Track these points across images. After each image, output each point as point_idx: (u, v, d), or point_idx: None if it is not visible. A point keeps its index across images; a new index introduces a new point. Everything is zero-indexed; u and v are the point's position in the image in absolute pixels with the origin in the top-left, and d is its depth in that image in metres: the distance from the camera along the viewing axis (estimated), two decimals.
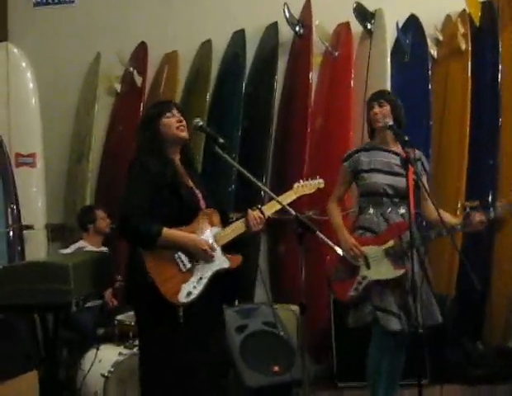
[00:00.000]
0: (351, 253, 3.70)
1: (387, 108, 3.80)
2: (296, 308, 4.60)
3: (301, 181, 3.51)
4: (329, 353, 4.79)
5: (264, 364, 4.36)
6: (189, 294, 3.05)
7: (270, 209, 3.29)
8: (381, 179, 3.76)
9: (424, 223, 4.17)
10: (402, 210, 3.75)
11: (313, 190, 3.54)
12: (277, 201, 3.17)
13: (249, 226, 3.21)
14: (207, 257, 3.13)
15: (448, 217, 3.73)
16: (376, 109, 3.81)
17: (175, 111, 3.27)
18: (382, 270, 3.68)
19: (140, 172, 3.13)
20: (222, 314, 3.39)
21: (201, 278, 3.10)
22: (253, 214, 3.22)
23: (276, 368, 4.35)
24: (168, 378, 3.07)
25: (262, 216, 3.23)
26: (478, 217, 3.67)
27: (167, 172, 3.15)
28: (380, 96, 3.88)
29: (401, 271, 3.66)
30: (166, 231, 3.07)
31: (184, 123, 3.26)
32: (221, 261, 3.18)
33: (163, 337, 3.08)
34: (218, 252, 3.18)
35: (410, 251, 3.61)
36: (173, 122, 3.23)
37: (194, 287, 3.07)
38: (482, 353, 5.05)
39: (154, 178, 3.11)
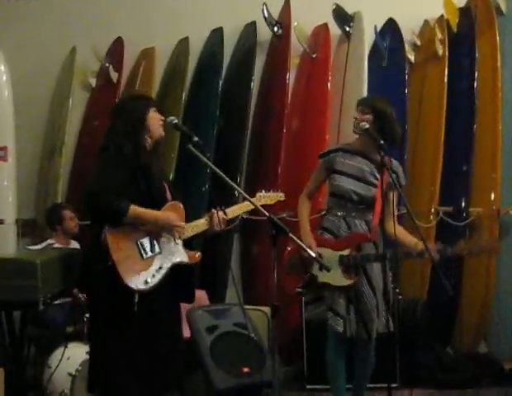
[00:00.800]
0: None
1: (367, 117, 3.67)
2: (267, 309, 4.58)
3: (264, 191, 3.65)
4: (300, 355, 4.78)
5: (234, 365, 4.33)
6: (146, 282, 3.08)
7: (233, 212, 3.44)
8: (348, 184, 3.72)
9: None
10: (367, 218, 3.73)
11: (273, 202, 3.68)
12: (249, 201, 3.20)
13: (212, 225, 3.31)
14: (179, 233, 3.20)
15: (408, 239, 3.66)
16: (357, 114, 3.73)
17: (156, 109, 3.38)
18: (333, 275, 3.63)
19: (115, 155, 3.18)
20: (179, 312, 3.40)
21: (160, 268, 3.14)
22: (217, 214, 3.30)
23: (246, 369, 4.32)
24: (121, 367, 3.09)
25: (224, 217, 3.34)
26: (433, 253, 3.52)
27: (140, 155, 3.20)
28: (363, 103, 3.78)
29: (350, 282, 3.66)
30: (135, 207, 3.10)
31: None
32: (181, 255, 3.23)
33: (117, 325, 3.09)
34: (179, 246, 3.23)
35: (364, 264, 3.63)
36: (158, 117, 3.32)
37: (153, 276, 3.11)
38: (452, 358, 5.09)
39: (127, 161, 3.16)
